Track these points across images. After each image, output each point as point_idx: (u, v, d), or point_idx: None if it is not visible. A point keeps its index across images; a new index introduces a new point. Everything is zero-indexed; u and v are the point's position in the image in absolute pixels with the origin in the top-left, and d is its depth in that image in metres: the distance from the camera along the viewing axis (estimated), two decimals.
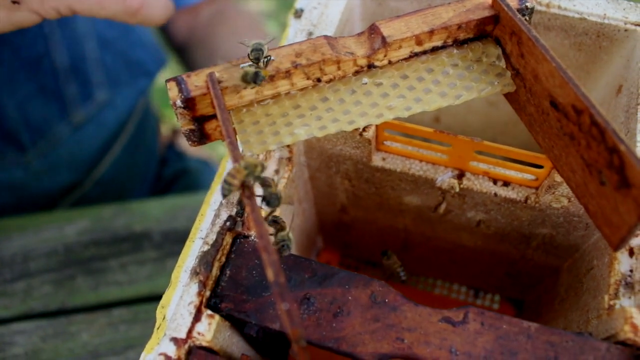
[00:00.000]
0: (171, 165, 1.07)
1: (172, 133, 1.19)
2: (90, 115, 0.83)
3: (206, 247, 0.39)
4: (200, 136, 0.40)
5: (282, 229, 0.37)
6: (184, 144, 1.15)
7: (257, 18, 1.04)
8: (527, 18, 0.42)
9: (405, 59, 0.41)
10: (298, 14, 0.50)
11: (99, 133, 0.86)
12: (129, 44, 0.86)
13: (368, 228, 0.59)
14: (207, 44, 0.91)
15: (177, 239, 0.77)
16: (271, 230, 0.35)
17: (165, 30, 0.94)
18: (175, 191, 1.01)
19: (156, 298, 0.72)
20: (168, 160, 1.08)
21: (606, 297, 0.39)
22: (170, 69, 1.60)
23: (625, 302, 0.38)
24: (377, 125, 0.44)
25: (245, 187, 0.33)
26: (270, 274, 0.29)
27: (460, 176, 0.46)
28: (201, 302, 0.38)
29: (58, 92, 0.79)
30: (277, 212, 0.38)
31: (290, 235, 0.36)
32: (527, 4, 0.41)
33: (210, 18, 0.92)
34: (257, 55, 0.37)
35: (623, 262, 0.40)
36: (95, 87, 0.82)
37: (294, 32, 0.49)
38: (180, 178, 1.04)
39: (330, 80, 0.40)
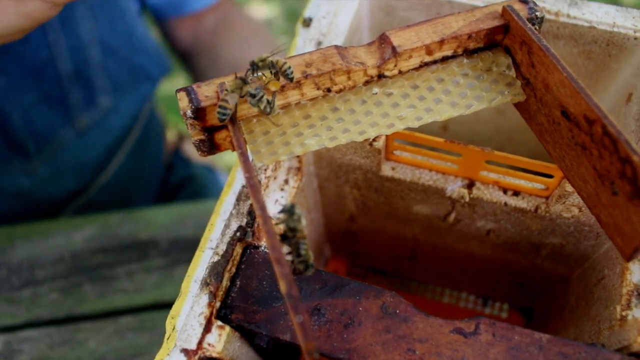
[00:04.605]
0: (177, 171, 1.07)
1: (178, 139, 1.20)
2: (94, 121, 0.83)
3: (216, 258, 0.39)
4: (210, 146, 0.40)
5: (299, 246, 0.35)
6: (189, 150, 1.15)
7: (261, 24, 1.05)
8: (537, 27, 0.42)
9: (416, 69, 0.41)
10: (307, 23, 0.50)
11: (103, 138, 0.86)
12: (132, 50, 0.86)
13: (376, 237, 0.59)
14: (212, 50, 0.92)
15: (183, 247, 0.77)
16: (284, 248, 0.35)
17: (169, 36, 0.95)
18: (181, 198, 1.01)
19: (163, 306, 0.72)
20: (174, 166, 1.08)
21: (618, 308, 0.39)
22: (175, 76, 1.60)
23: (638, 313, 0.38)
24: (386, 135, 0.44)
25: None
26: (283, 286, 0.29)
27: (470, 186, 0.46)
28: (211, 313, 0.38)
29: (62, 98, 0.79)
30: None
31: (310, 253, 0.35)
32: (537, 13, 0.41)
33: (214, 24, 0.92)
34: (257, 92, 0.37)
35: (635, 273, 0.40)
36: (99, 93, 0.82)
37: (303, 41, 0.49)
38: (186, 185, 1.04)
39: (340, 90, 0.40)
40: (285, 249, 0.34)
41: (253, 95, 0.36)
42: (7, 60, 0.72)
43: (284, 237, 0.34)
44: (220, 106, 0.35)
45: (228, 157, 1.55)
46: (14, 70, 0.73)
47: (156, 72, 0.91)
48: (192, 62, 0.95)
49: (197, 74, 0.97)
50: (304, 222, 0.34)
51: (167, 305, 0.72)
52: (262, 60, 0.36)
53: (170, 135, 1.20)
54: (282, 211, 0.34)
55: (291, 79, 0.37)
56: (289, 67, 0.36)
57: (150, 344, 0.69)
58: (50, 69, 0.76)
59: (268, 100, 0.36)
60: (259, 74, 0.37)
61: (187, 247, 0.77)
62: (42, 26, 0.71)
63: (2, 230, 0.78)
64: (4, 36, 0.46)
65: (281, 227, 0.34)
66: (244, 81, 0.36)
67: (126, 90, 0.86)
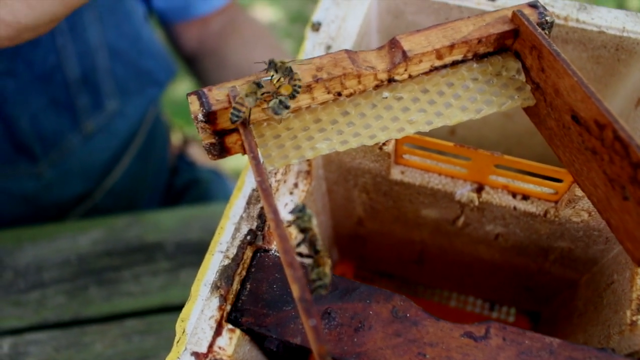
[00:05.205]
0: (182, 175, 1.07)
1: (183, 143, 1.20)
2: (101, 125, 0.84)
3: (227, 261, 0.39)
4: (221, 150, 0.40)
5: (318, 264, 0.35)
6: (194, 153, 1.15)
7: (266, 27, 1.05)
8: (547, 32, 0.42)
9: (426, 73, 0.41)
10: (316, 27, 0.50)
11: (109, 143, 0.86)
12: (139, 53, 0.86)
13: (384, 241, 0.59)
14: (217, 54, 0.92)
15: (190, 250, 0.77)
16: (296, 235, 0.35)
17: (175, 40, 0.95)
18: (186, 201, 1.01)
19: (169, 309, 0.72)
20: (179, 170, 1.08)
21: (628, 313, 0.39)
22: (179, 79, 1.61)
23: None
24: (396, 139, 0.44)
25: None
26: (296, 290, 0.29)
27: (479, 190, 0.46)
28: (222, 317, 0.38)
29: (69, 103, 0.79)
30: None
31: (328, 270, 0.34)
32: (547, 18, 0.41)
33: (220, 28, 0.92)
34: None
35: None
36: (106, 97, 0.83)
37: (312, 45, 0.49)
38: (191, 188, 1.04)
39: (350, 94, 0.40)
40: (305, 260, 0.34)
41: (286, 107, 0.36)
42: (17, 65, 0.72)
43: (301, 253, 0.34)
44: (234, 107, 0.35)
45: (232, 161, 1.55)
46: (23, 75, 0.73)
47: (163, 75, 0.91)
48: (198, 66, 0.96)
49: (202, 78, 0.97)
50: (314, 221, 0.34)
51: (173, 309, 0.72)
52: (283, 63, 0.37)
53: (175, 139, 1.21)
54: (292, 211, 0.34)
55: (293, 97, 0.37)
56: (300, 86, 0.37)
57: (156, 347, 0.69)
58: (59, 74, 0.76)
59: (286, 106, 0.36)
60: (273, 75, 0.37)
61: (193, 251, 0.77)
62: (50, 31, 0.71)
63: (9, 233, 0.79)
64: (39, 26, 0.45)
65: (294, 231, 0.34)
66: (259, 85, 0.36)
67: (133, 94, 0.87)
